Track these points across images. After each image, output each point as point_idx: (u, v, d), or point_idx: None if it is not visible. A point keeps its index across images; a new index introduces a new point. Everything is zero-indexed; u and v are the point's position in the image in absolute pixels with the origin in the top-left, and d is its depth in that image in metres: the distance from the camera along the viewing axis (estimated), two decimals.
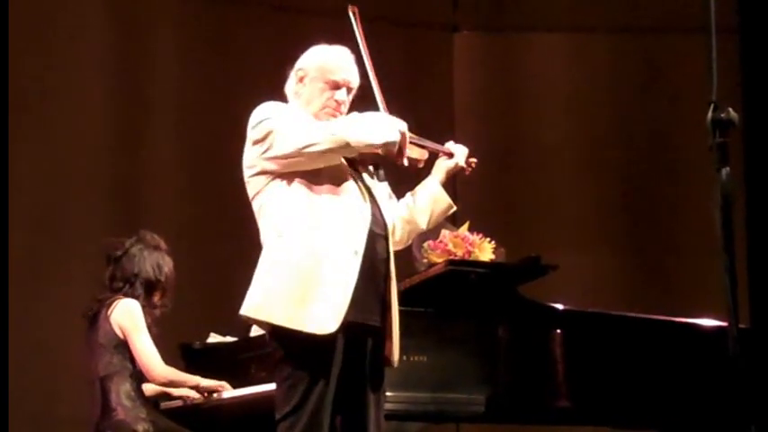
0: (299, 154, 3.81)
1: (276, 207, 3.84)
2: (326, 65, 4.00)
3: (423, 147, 4.13)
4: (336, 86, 3.98)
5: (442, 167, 4.18)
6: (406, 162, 4.00)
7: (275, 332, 3.82)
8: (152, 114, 7.51)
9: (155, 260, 5.30)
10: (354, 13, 4.10)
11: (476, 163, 4.22)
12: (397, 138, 3.91)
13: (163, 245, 5.36)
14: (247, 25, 7.71)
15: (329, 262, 3.76)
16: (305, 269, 3.75)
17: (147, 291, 5.27)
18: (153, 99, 7.51)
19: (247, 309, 3.83)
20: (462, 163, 4.18)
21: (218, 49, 7.66)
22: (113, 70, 7.39)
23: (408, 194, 4.17)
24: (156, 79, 7.53)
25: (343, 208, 3.84)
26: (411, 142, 4.07)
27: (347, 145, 3.83)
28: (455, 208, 4.20)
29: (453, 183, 4.25)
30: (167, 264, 5.33)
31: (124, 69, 7.43)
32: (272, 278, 3.78)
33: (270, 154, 3.85)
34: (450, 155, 4.18)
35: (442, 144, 4.21)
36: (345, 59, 4.02)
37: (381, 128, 3.89)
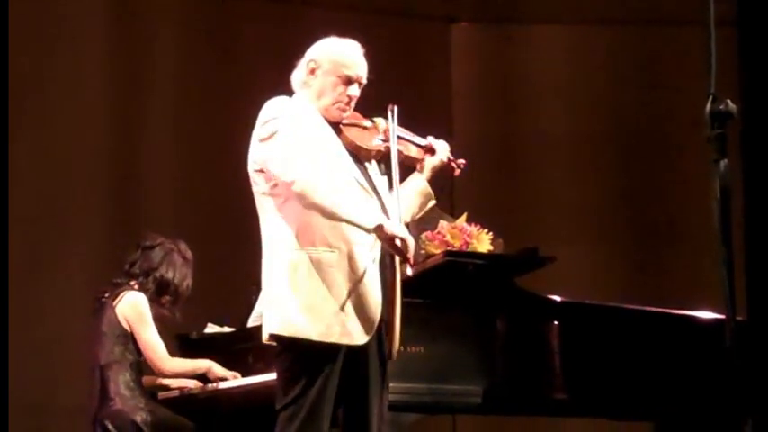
0: (282, 184, 3.78)
1: (283, 218, 3.80)
2: (341, 59, 3.94)
3: (407, 141, 4.08)
4: (349, 81, 3.94)
5: (426, 164, 4.12)
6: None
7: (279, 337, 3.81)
8: (152, 112, 7.49)
9: (178, 267, 5.35)
10: (392, 111, 3.98)
11: (465, 164, 4.18)
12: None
13: (190, 258, 5.40)
14: (249, 18, 7.68)
15: (353, 274, 3.76)
16: (331, 283, 3.75)
17: (158, 289, 5.31)
18: (153, 97, 7.50)
19: (278, 328, 3.78)
20: (445, 159, 4.12)
21: (218, 45, 7.63)
22: (113, 69, 7.37)
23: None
24: (156, 77, 7.51)
25: None
26: (400, 137, 4.03)
27: (322, 206, 3.72)
28: (434, 202, 4.15)
29: (451, 175, 4.23)
30: (187, 277, 5.37)
31: (124, 67, 7.41)
32: (299, 294, 3.75)
33: (266, 164, 3.82)
34: (432, 151, 4.13)
35: (425, 138, 4.15)
36: (358, 54, 3.97)
37: (363, 211, 3.77)
